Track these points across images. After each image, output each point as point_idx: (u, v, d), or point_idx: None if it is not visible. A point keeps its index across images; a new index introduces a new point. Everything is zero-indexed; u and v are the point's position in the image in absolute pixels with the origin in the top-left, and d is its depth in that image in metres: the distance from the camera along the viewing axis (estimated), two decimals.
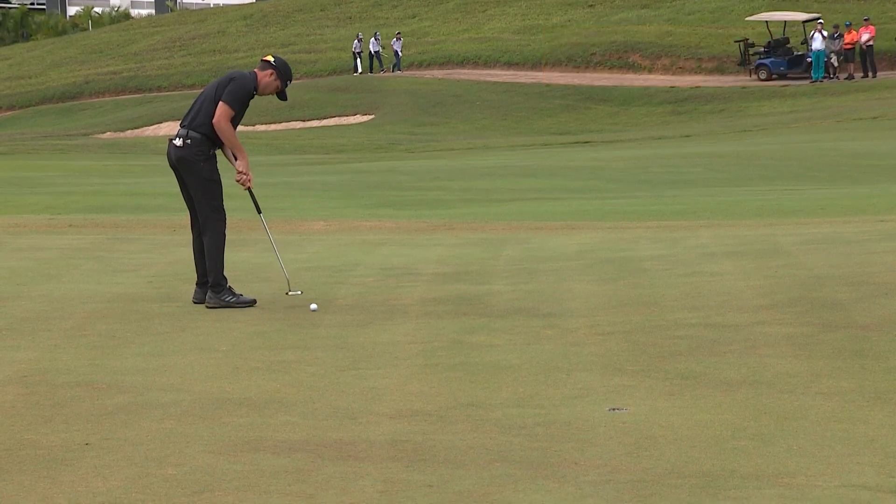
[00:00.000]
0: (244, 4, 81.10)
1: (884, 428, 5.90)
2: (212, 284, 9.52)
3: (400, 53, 58.36)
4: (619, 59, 55.73)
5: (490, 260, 11.92)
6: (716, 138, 37.03)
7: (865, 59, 49.49)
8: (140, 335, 8.49)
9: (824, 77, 49.54)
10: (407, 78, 56.97)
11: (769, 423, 6.01)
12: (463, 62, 57.58)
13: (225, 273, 9.61)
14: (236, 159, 9.59)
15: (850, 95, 46.23)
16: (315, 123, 50.98)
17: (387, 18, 69.51)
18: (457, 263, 11.69)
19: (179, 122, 9.83)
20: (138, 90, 62.48)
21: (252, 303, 9.56)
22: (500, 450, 5.67)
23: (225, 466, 5.46)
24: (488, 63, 57.19)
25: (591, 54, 56.46)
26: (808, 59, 49.98)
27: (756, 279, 9.97)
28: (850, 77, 49.65)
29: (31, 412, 6.47)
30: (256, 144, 41.05)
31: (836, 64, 49.75)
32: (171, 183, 12.04)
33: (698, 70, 53.88)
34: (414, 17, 68.92)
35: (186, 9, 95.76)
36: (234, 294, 9.56)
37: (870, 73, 49.46)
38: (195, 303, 9.63)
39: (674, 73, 53.95)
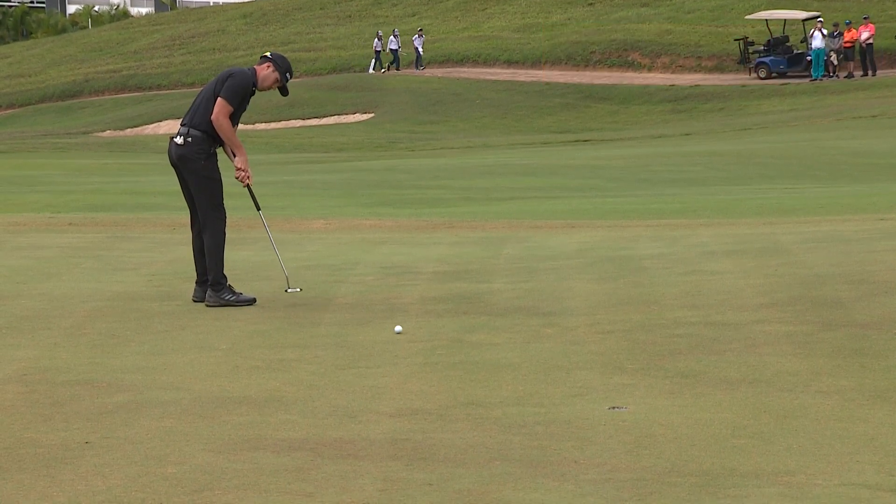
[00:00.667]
0: (244, 3, 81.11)
1: (883, 426, 5.90)
2: (212, 283, 9.52)
3: (421, 50, 57.79)
4: (618, 57, 55.73)
5: (490, 258, 11.91)
6: (716, 137, 37.04)
7: (865, 58, 49.50)
8: (140, 333, 8.49)
9: (824, 75, 49.54)
10: (406, 76, 56.97)
11: (769, 422, 6.01)
12: (463, 60, 57.58)
13: (225, 271, 9.61)
14: (235, 156, 9.59)
15: (850, 94, 46.24)
16: (315, 122, 50.99)
17: (386, 17, 69.50)
18: (457, 262, 11.69)
19: (179, 120, 9.83)
20: (138, 88, 62.47)
21: (252, 301, 9.56)
22: (500, 448, 5.67)
23: (225, 465, 5.46)
24: (488, 61, 57.20)
25: (591, 53, 56.46)
26: (808, 58, 49.99)
27: (756, 278, 9.97)
28: (850, 75, 49.66)
29: (30, 411, 6.46)
30: (256, 143, 41.05)
31: (835, 62, 49.77)
32: (170, 181, 12.05)
33: (698, 68, 53.88)
34: (414, 15, 68.91)
35: (186, 7, 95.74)
36: (233, 292, 9.56)
37: (869, 72, 49.47)
38: (195, 301, 9.63)
39: (673, 72, 53.95)
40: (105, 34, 78.47)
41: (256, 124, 49.32)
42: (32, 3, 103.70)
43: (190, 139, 9.46)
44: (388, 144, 41.64)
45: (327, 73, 59.54)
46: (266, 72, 9.54)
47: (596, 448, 5.65)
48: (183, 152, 9.49)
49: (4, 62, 74.93)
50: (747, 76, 51.42)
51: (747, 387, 6.69)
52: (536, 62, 56.66)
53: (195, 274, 9.73)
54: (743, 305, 8.87)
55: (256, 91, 9.59)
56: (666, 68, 54.39)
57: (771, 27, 51.82)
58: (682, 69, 54.07)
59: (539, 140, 40.61)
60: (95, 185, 24.23)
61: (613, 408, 6.34)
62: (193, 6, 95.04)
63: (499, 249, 12.58)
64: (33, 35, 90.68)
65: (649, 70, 54.48)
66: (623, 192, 21.60)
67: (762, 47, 51.36)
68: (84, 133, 51.57)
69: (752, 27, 54.19)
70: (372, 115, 50.90)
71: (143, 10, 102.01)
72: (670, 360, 7.36)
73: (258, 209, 10.00)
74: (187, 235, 10.15)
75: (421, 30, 59.44)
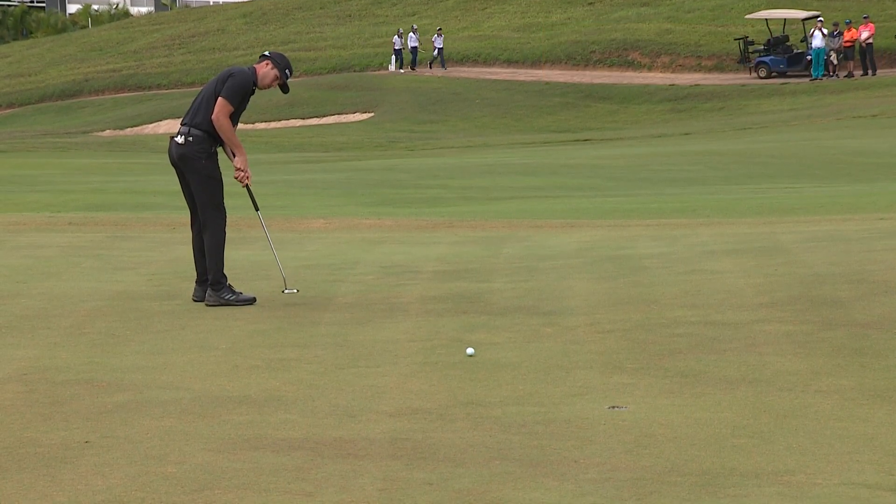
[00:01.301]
0: (244, 2, 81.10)
1: (883, 426, 5.90)
2: (212, 282, 9.52)
3: (441, 49, 57.23)
4: (618, 56, 55.72)
5: (490, 258, 11.91)
6: (715, 136, 37.03)
7: (865, 57, 49.50)
8: (140, 333, 8.49)
9: (824, 75, 49.54)
10: (406, 76, 56.95)
11: (769, 422, 6.01)
12: (462, 60, 57.57)
13: (225, 271, 9.61)
14: (234, 156, 9.59)
15: (850, 93, 46.23)
16: (315, 121, 50.98)
17: (386, 16, 69.50)
18: (457, 261, 11.69)
19: (179, 119, 9.83)
20: (138, 88, 62.46)
21: (252, 301, 9.56)
22: (500, 448, 5.67)
23: (225, 464, 5.46)
24: (488, 61, 57.20)
25: (591, 52, 56.45)
26: (808, 57, 49.99)
27: (756, 277, 9.97)
28: (850, 75, 49.66)
29: (30, 410, 6.47)
30: (256, 142, 41.05)
31: (835, 62, 49.76)
32: (170, 181, 12.05)
33: (698, 68, 53.87)
34: (413, 14, 68.90)
35: (186, 6, 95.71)
36: (233, 292, 9.56)
37: (869, 71, 49.46)
38: (195, 301, 9.63)
39: (673, 71, 53.95)
40: (105, 34, 78.46)
41: (256, 124, 49.31)
42: (32, 2, 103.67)
43: (191, 138, 9.46)
44: (388, 144, 41.64)
45: (327, 73, 59.52)
46: (265, 70, 9.55)
47: (596, 447, 5.65)
48: (184, 151, 9.49)
49: (4, 61, 74.92)
50: (747, 76, 51.42)
51: (747, 386, 6.69)
52: (536, 61, 56.65)
53: (195, 273, 9.73)
54: (743, 305, 8.87)
55: (257, 90, 9.59)
56: (666, 68, 54.38)
57: (771, 27, 51.82)
58: (682, 69, 54.06)
59: (539, 139, 40.61)
60: (95, 185, 24.22)
61: (613, 407, 6.34)
62: (193, 6, 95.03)
63: (499, 249, 12.58)
64: (33, 34, 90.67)
65: (649, 69, 54.47)
66: (623, 191, 21.59)
67: (762, 47, 51.36)
68: (84, 132, 51.56)
69: (752, 27, 54.19)
70: (372, 114, 50.90)
71: (143, 10, 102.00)
72: (670, 359, 7.35)
73: (257, 209, 10.00)
74: (187, 235, 10.15)
75: (440, 29, 58.86)
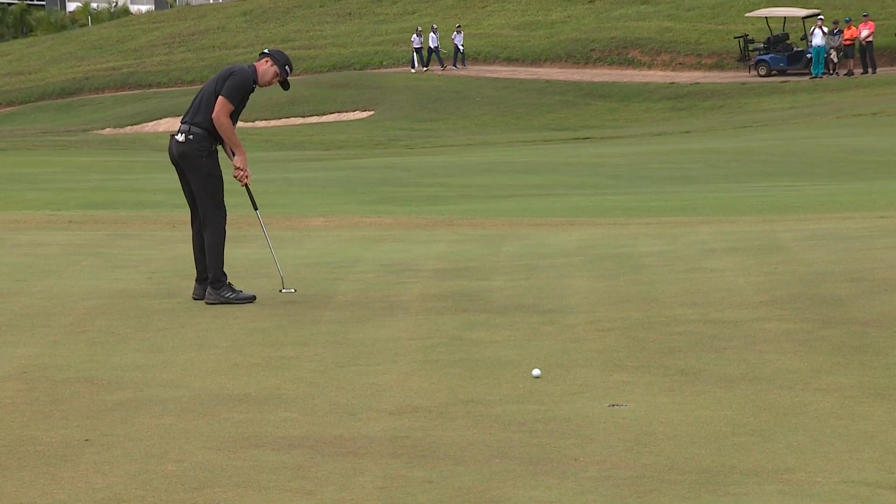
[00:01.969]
0: (244, 0, 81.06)
1: (883, 424, 5.90)
2: (212, 280, 9.52)
3: (462, 48, 56.60)
4: (618, 55, 55.71)
5: (490, 256, 11.91)
6: (715, 134, 37.02)
7: (865, 56, 49.49)
8: (140, 331, 8.49)
9: (824, 73, 49.53)
10: (406, 74, 56.93)
11: (769, 420, 6.01)
12: (446, 58, 57.50)
13: (225, 269, 9.61)
14: (234, 155, 9.59)
15: (850, 91, 46.22)
16: (314, 120, 50.96)
17: (386, 14, 69.48)
18: (456, 260, 11.69)
19: (180, 118, 9.83)
20: (138, 86, 62.44)
21: (252, 299, 9.56)
22: (500, 446, 5.67)
23: (224, 463, 5.46)
24: (488, 59, 57.16)
25: (591, 50, 56.43)
26: (808, 56, 49.97)
27: (756, 275, 9.97)
28: (850, 73, 49.65)
29: (30, 408, 6.46)
30: (256, 140, 41.04)
31: (835, 60, 49.75)
32: (170, 179, 12.05)
33: (698, 66, 53.85)
34: (413, 13, 68.88)
35: (186, 4, 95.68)
36: (233, 290, 9.56)
37: (869, 70, 49.45)
38: (195, 299, 9.63)
39: (673, 69, 53.93)
40: (105, 32, 78.43)
41: (256, 122, 49.29)
42: (32, 0, 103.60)
43: (191, 136, 9.47)
44: (388, 142, 41.63)
45: (327, 71, 59.50)
46: (265, 67, 9.55)
47: (596, 446, 5.65)
48: (184, 150, 9.49)
49: (4, 60, 74.89)
50: (747, 74, 51.41)
51: (747, 384, 6.69)
52: (536, 60, 56.62)
53: (195, 271, 9.73)
54: (743, 303, 8.87)
55: (257, 87, 9.59)
56: (666, 66, 54.36)
57: (771, 25, 51.81)
58: (682, 67, 54.04)
59: (539, 137, 40.60)
60: (95, 183, 24.22)
61: (613, 405, 6.34)
62: (193, 4, 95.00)
63: (499, 247, 12.58)
64: (33, 32, 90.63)
65: (649, 68, 54.45)
66: (623, 189, 21.59)
67: (762, 45, 51.35)
68: (84, 130, 51.55)
69: (752, 25, 54.16)
70: (372, 112, 50.88)
71: (143, 8, 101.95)
72: (670, 357, 7.35)
73: (255, 208, 10.00)
74: (187, 233, 10.14)
75: (459, 26, 58.31)
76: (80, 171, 28.12)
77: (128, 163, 32.47)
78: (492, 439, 5.78)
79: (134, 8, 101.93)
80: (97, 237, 13.93)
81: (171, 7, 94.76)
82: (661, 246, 12.09)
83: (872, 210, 15.04)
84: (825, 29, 48.83)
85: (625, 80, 52.73)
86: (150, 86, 62.12)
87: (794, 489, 4.99)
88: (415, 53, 57.16)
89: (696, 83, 50.94)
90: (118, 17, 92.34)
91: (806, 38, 50.65)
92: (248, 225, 14.21)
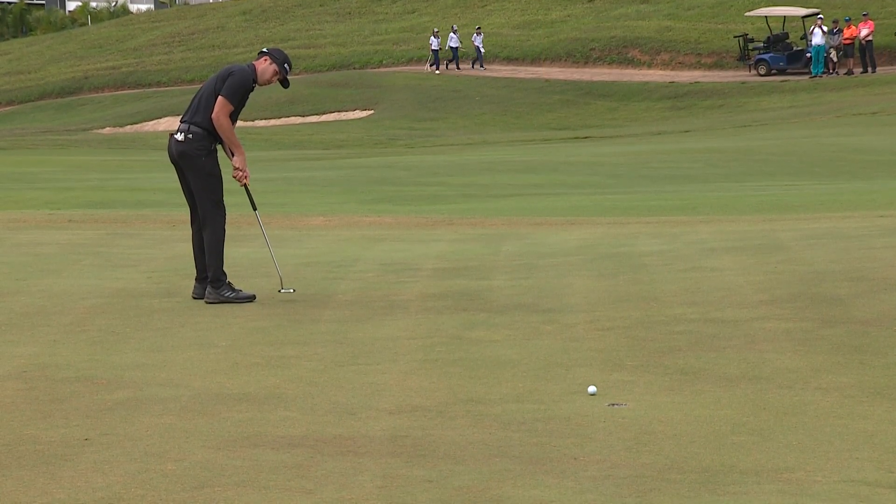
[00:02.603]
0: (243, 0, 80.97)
1: (883, 423, 5.90)
2: (211, 280, 9.52)
3: (482, 49, 56.03)
4: (618, 54, 55.71)
5: (490, 255, 11.91)
6: (715, 134, 37.02)
7: (864, 55, 49.48)
8: (139, 331, 8.49)
9: (824, 72, 49.52)
10: (406, 73, 56.91)
11: (768, 419, 6.01)
12: (462, 57, 57.51)
13: (224, 268, 9.61)
14: (233, 155, 9.59)
15: (850, 91, 46.21)
16: (314, 119, 50.95)
17: (386, 14, 69.46)
18: (456, 259, 11.69)
19: (179, 117, 9.83)
20: (137, 85, 62.44)
21: (251, 298, 9.56)
22: (500, 445, 5.67)
23: (224, 462, 5.46)
24: (487, 58, 57.12)
25: (591, 49, 56.43)
26: (808, 55, 49.97)
27: (755, 275, 9.97)
28: (850, 72, 49.63)
29: (30, 407, 6.46)
30: (256, 140, 41.03)
31: (835, 59, 49.74)
32: (170, 178, 12.04)
33: (698, 65, 53.84)
34: (413, 12, 68.87)
35: (186, 3, 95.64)
36: (233, 289, 9.56)
37: (869, 69, 49.44)
38: (195, 298, 9.63)
39: (673, 69, 53.93)
40: (105, 31, 78.43)
41: (256, 121, 49.28)
42: (32, 0, 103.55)
43: (191, 136, 9.46)
44: (388, 141, 41.62)
45: (327, 70, 59.49)
46: (264, 65, 9.55)
47: (595, 445, 5.65)
48: (184, 149, 9.49)
49: (4, 59, 74.89)
50: (747, 73, 51.40)
51: (747, 383, 6.69)
52: (536, 59, 56.60)
53: (195, 271, 9.72)
54: (742, 302, 8.87)
55: (257, 86, 9.59)
56: (666, 65, 54.36)
57: (770, 24, 51.80)
58: (682, 66, 54.03)
59: (539, 137, 40.59)
60: (95, 182, 24.21)
61: (613, 405, 6.34)
62: (193, 3, 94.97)
63: (498, 246, 12.58)
64: (33, 32, 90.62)
65: (649, 67, 54.45)
66: (623, 188, 21.58)
67: (762, 44, 51.34)
68: (84, 130, 51.54)
69: (752, 24, 54.16)
70: (372, 112, 50.87)
71: (143, 7, 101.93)
72: (670, 356, 7.35)
73: (254, 209, 10.00)
74: (187, 232, 10.14)
75: (479, 28, 57.80)
76: (79, 171, 28.11)
77: (127, 162, 32.46)
78: (491, 438, 5.78)
79: (133, 7, 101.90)
80: (97, 236, 13.93)
81: (170, 6, 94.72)
82: (661, 245, 12.08)
83: (872, 209, 15.04)
84: (825, 28, 48.82)
85: (624, 79, 52.73)
86: (150, 85, 62.12)
87: (793, 488, 4.99)
88: (432, 54, 56.50)
89: (696, 82, 50.94)
90: (118, 16, 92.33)
91: (806, 37, 50.64)
92: (248, 224, 14.20)
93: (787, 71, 50.67)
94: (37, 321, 8.84)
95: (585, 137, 39.41)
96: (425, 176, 24.94)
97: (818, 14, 49.86)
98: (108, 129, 52.24)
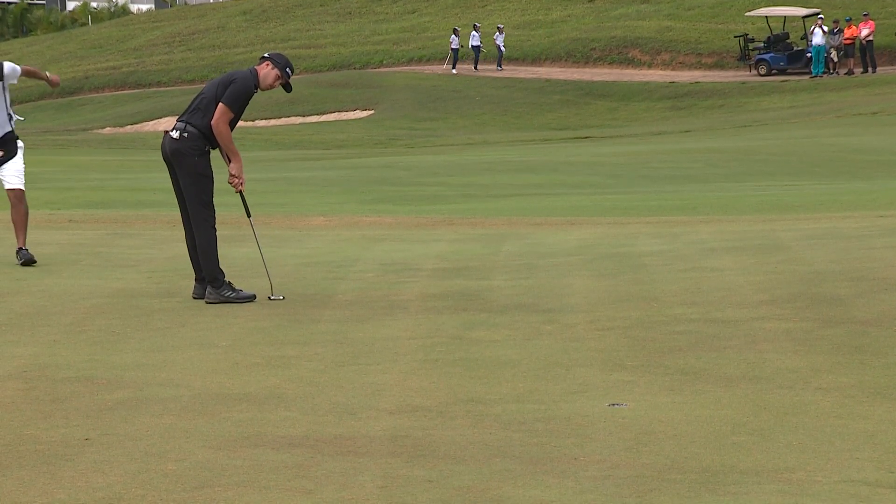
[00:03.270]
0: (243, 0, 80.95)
1: (883, 423, 5.90)
2: (209, 280, 9.51)
3: (503, 49, 55.44)
4: (618, 54, 55.70)
5: (490, 255, 11.91)
6: (715, 134, 37.01)
7: (865, 55, 49.47)
8: (140, 331, 8.49)
9: (824, 72, 49.52)
10: (406, 73, 56.89)
11: (769, 419, 6.01)
12: (462, 57, 57.50)
13: (224, 268, 9.60)
14: (230, 161, 9.58)
15: (850, 91, 46.21)
16: (314, 119, 50.94)
17: (386, 14, 69.46)
18: (456, 259, 11.68)
19: (177, 116, 9.82)
20: (138, 85, 62.44)
21: (252, 298, 9.56)
22: (500, 445, 5.67)
23: (225, 462, 5.46)
24: (487, 58, 57.12)
25: (591, 49, 56.42)
26: (808, 55, 49.96)
27: (756, 275, 9.97)
28: (850, 72, 49.63)
29: (30, 407, 6.46)
30: (256, 140, 41.02)
31: (835, 59, 49.73)
32: (170, 179, 12.01)
33: (698, 65, 53.83)
34: (413, 12, 68.87)
35: (186, 3, 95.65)
36: (233, 289, 9.56)
37: (869, 69, 49.43)
38: (195, 298, 9.63)
39: (673, 69, 53.92)
40: (105, 31, 78.44)
41: (256, 121, 49.27)
42: (32, 0, 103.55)
43: (186, 134, 9.46)
44: (388, 141, 41.62)
45: (327, 70, 59.48)
46: (266, 70, 9.55)
47: (596, 445, 5.65)
48: (178, 146, 9.49)
49: (3, 59, 74.88)
50: (747, 73, 51.40)
51: (747, 384, 6.69)
52: (536, 59, 56.58)
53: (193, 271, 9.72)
54: (743, 302, 8.87)
55: (259, 90, 9.59)
56: (666, 65, 54.35)
57: (771, 24, 51.79)
58: (682, 66, 54.03)
59: (539, 137, 40.59)
60: (95, 182, 24.21)
61: (613, 405, 6.34)
62: (193, 3, 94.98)
63: (499, 246, 12.58)
64: (33, 32, 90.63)
65: (649, 67, 54.45)
66: (623, 188, 21.58)
67: (762, 44, 51.34)
68: (84, 130, 51.55)
69: (753, 24, 54.15)
70: (372, 112, 50.86)
71: (143, 7, 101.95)
72: (670, 356, 7.35)
73: (249, 216, 9.98)
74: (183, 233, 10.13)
75: (501, 26, 57.25)
76: (79, 171, 28.11)
77: (127, 162, 32.46)
78: (492, 438, 5.78)
79: (134, 7, 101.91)
80: (97, 237, 13.93)
81: (170, 6, 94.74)
82: (661, 245, 12.08)
83: (872, 209, 15.04)
84: (825, 28, 48.81)
85: (625, 79, 52.72)
86: (150, 85, 62.11)
87: (794, 488, 5.00)
88: (452, 53, 55.99)
89: (696, 82, 50.93)
90: (118, 16, 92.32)
91: (806, 37, 50.64)
92: (246, 224, 14.19)
93: (788, 71, 50.67)
94: (37, 321, 8.84)
95: (585, 137, 39.42)
96: (425, 176, 24.95)
97: (819, 14, 49.86)
98: (108, 129, 52.24)
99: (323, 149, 39.12)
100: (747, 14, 54.46)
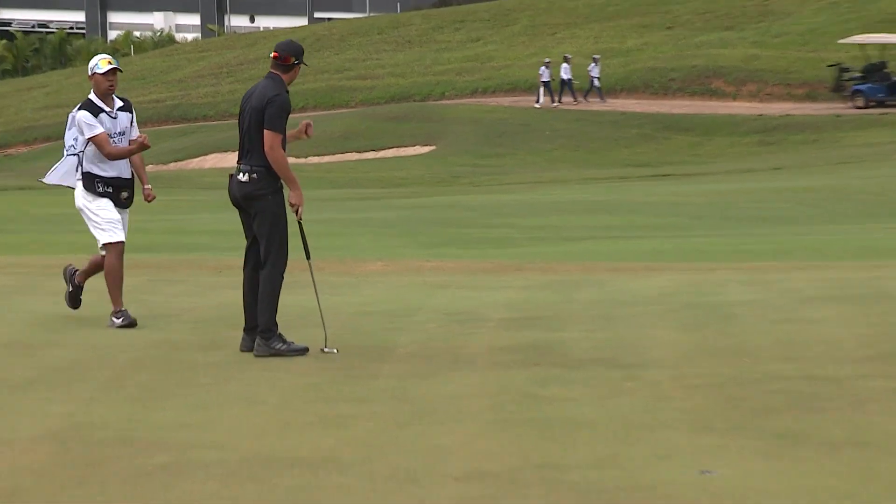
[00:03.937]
0: (296, 27, 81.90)
1: None
2: (262, 330, 9.50)
3: (598, 80, 54.98)
4: (700, 85, 55.68)
5: (563, 304, 11.86)
6: (808, 171, 36.85)
7: None
8: (182, 387, 8.48)
9: None
10: (470, 105, 57.15)
11: (878, 490, 5.91)
12: (531, 88, 57.70)
13: (277, 319, 9.59)
14: (289, 190, 9.64)
15: None
16: (371, 155, 51.25)
17: (448, 42, 69.91)
18: (527, 308, 11.64)
19: (226, 153, 9.87)
20: (183, 119, 63.19)
21: (304, 351, 9.53)
22: None
23: None
24: (557, 90, 57.25)
25: (670, 80, 56.44)
26: None
27: (859, 327, 9.86)
28: None
29: (63, 473, 6.45)
30: (309, 178, 41.25)
31: None
32: (217, 220, 12.06)
33: (788, 97, 53.69)
34: (478, 40, 69.25)
35: (234, 32, 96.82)
36: (284, 341, 9.54)
37: None
38: (242, 351, 9.62)
39: (761, 100, 53.81)
40: (148, 62, 79.54)
41: (309, 157, 49.59)
42: (72, 29, 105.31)
43: (255, 175, 9.55)
44: (451, 179, 41.77)
45: (385, 103, 59.90)
46: (283, 67, 9.64)
47: None
48: (248, 190, 9.56)
49: (41, 92, 76.08)
50: (842, 105, 51.19)
51: (853, 449, 6.58)
52: (611, 90, 56.67)
53: (243, 320, 9.72)
54: (845, 358, 8.77)
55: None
56: (753, 96, 54.25)
57: (868, 52, 51.58)
58: (771, 97, 53.90)
59: (615, 174, 40.59)
60: (136, 224, 24.27)
61: (703, 472, 6.25)
62: (242, 31, 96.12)
63: (572, 294, 12.53)
64: (72, 63, 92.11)
65: (734, 98, 54.38)
66: (707, 231, 21.49)
67: (858, 74, 51.12)
68: None
69: (847, 52, 53.93)
70: (433, 147, 51.10)
71: (189, 37, 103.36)
72: (766, 418, 7.26)
73: (308, 257, 9.99)
74: (235, 278, 10.16)
75: (597, 57, 56.82)
76: None
77: (172, 202, 32.75)
78: None
79: (179, 36, 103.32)
80: (138, 283, 13.98)
81: (217, 35, 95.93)
82: (752, 294, 12.00)
83: None
84: None
85: (707, 111, 52.68)
86: (196, 119, 62.84)
87: None
88: (542, 87, 55.80)
89: (787, 115, 50.78)
90: (162, 46, 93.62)
91: None
92: (300, 270, 14.20)
93: (887, 103, 50.39)
94: (72, 376, 8.86)
95: (666, 175, 39.35)
96: (491, 217, 24.96)
97: None
98: (150, 166, 52.68)
99: (380, 187, 39.32)
100: (841, 41, 54.26)
